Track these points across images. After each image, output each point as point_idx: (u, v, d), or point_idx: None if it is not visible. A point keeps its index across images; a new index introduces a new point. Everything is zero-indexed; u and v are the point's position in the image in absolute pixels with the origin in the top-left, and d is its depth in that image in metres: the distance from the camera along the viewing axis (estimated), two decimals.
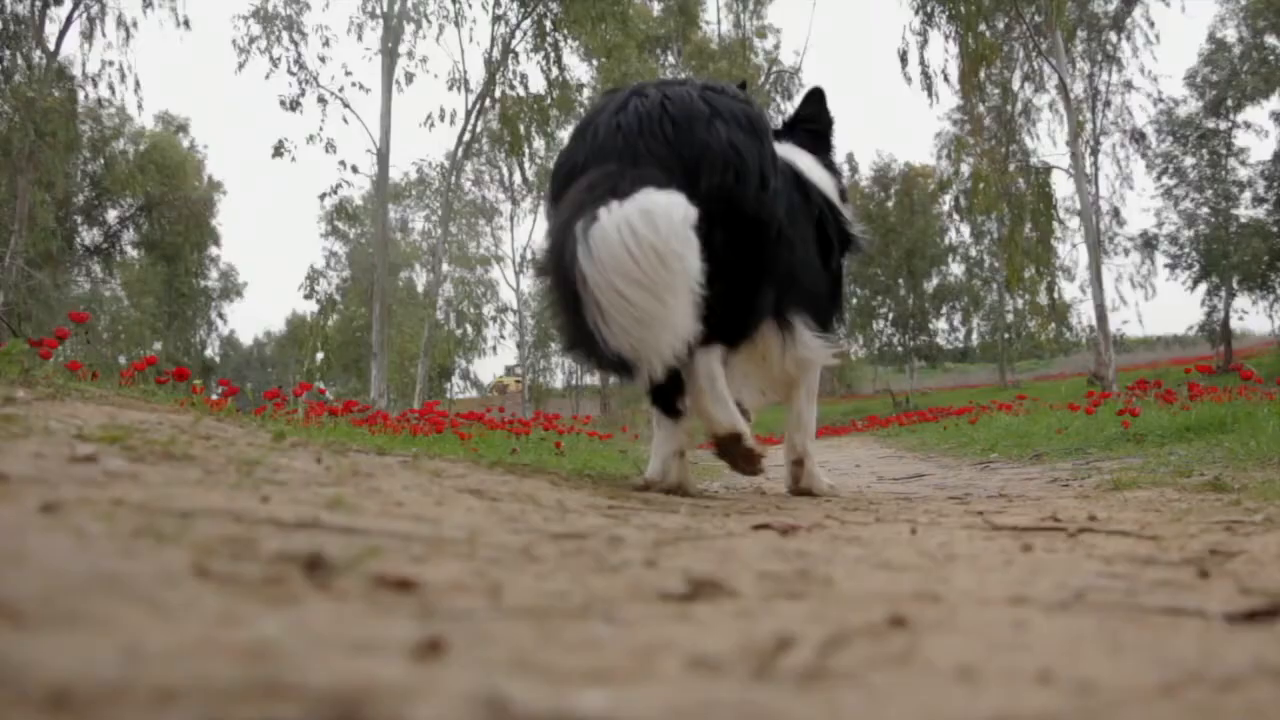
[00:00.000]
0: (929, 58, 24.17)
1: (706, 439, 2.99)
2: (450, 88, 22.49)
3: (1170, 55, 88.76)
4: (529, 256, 35.21)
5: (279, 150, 21.24)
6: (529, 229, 54.89)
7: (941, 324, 45.03)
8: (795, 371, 3.29)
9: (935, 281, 43.32)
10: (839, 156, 3.87)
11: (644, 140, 2.66)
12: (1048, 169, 24.87)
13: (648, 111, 2.70)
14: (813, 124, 3.60)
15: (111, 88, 23.34)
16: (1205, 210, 31.89)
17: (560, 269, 2.44)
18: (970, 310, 44.18)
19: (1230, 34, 31.23)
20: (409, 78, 21.90)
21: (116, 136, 34.37)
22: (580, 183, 2.60)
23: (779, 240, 2.86)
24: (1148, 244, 31.90)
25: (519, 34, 22.59)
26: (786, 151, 3.19)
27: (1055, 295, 27.90)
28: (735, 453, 2.89)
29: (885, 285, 42.94)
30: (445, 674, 0.58)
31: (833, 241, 3.37)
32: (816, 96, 3.60)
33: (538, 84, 23.52)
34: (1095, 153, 29.23)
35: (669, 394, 2.99)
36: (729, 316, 2.78)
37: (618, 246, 2.33)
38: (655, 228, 2.34)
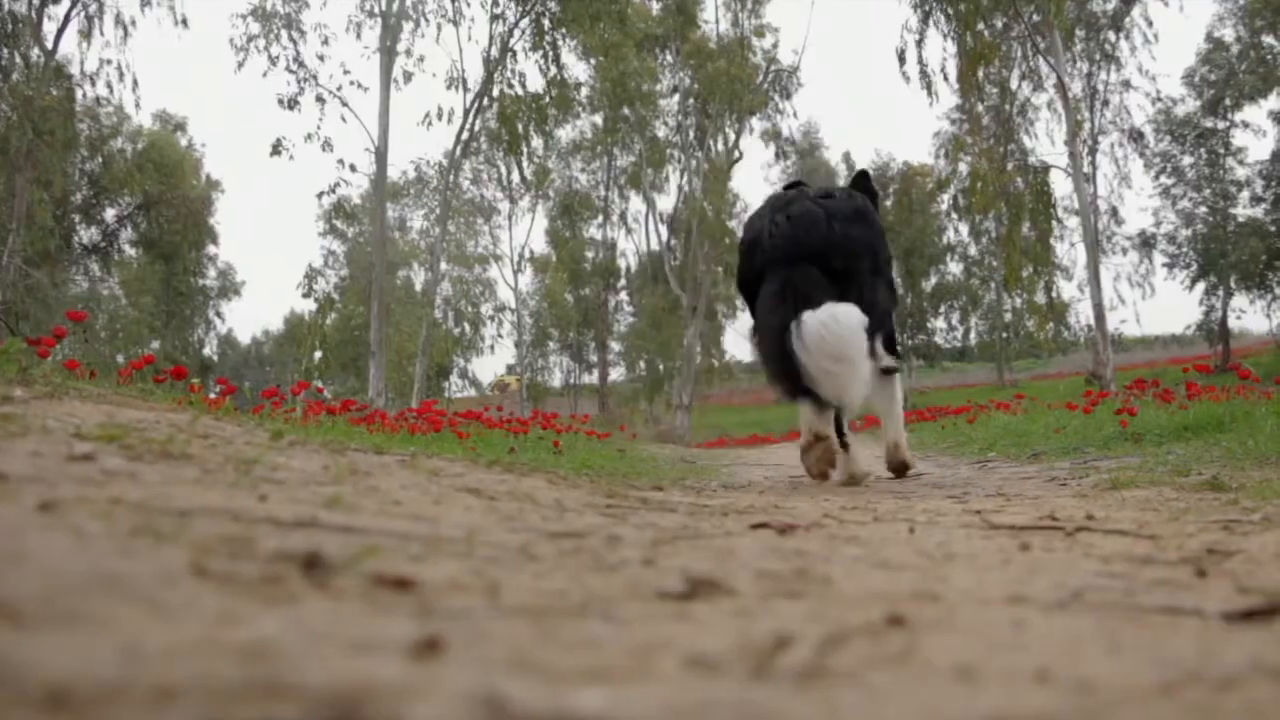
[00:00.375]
0: (927, 56, 24.18)
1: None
2: (449, 86, 22.47)
3: (1168, 55, 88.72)
4: (528, 255, 35.26)
5: (277, 149, 21.23)
6: (527, 228, 55.10)
7: (940, 323, 45.06)
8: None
9: (933, 281, 43.33)
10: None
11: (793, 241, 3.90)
12: (1046, 168, 24.87)
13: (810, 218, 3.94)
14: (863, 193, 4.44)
15: (109, 86, 23.32)
16: (1203, 209, 31.91)
17: (784, 352, 3.58)
18: (968, 309, 44.20)
19: (1228, 33, 31.27)
20: (407, 76, 21.87)
21: (114, 135, 34.36)
22: (769, 283, 3.88)
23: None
24: (1146, 243, 31.93)
25: (517, 33, 22.59)
26: None
27: (1054, 295, 27.93)
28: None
29: None
30: (443, 673, 0.58)
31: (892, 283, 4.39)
32: (864, 175, 4.66)
33: (536, 83, 23.49)
34: (1093, 152, 29.26)
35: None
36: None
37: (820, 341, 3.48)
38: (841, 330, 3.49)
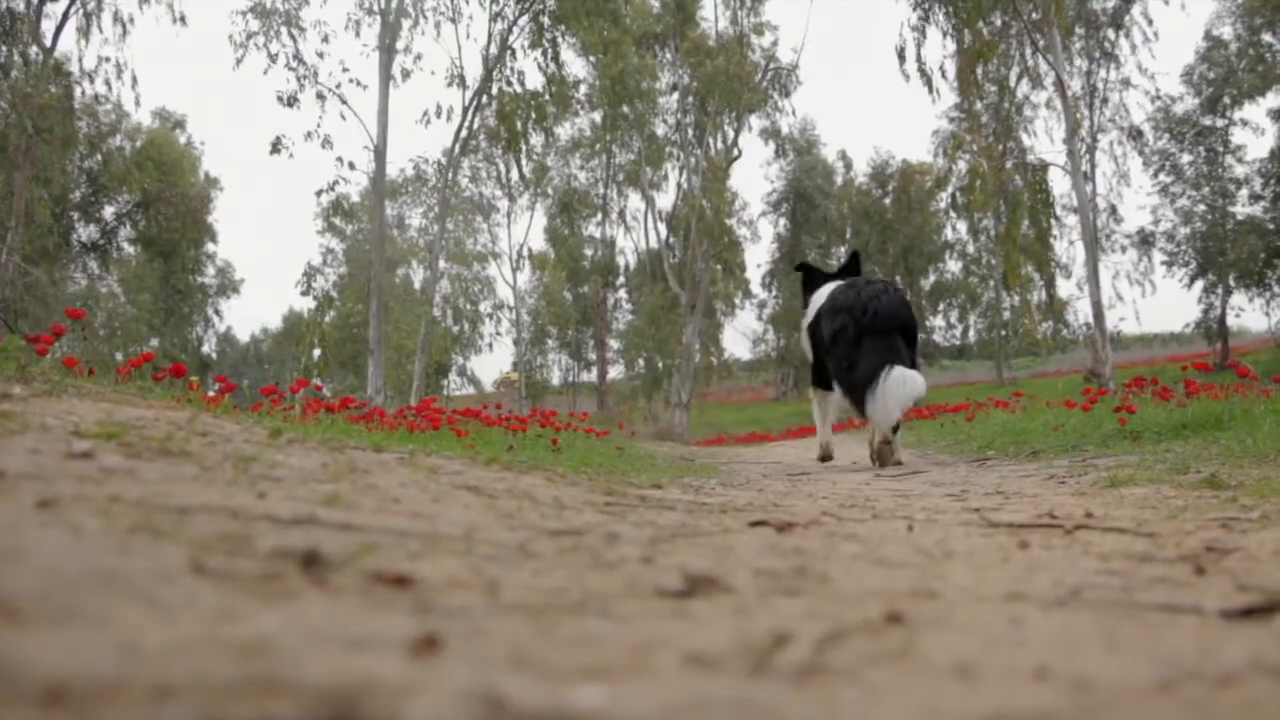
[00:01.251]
0: (926, 55, 24.16)
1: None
2: (448, 84, 22.46)
3: (1168, 53, 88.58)
4: (527, 252, 35.26)
5: (276, 146, 21.21)
6: (526, 225, 55.14)
7: (939, 321, 45.12)
8: None
9: (932, 279, 43.37)
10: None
11: (880, 319, 5.80)
12: (1045, 166, 24.91)
13: (877, 301, 5.85)
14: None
15: (108, 84, 23.34)
16: (1202, 208, 31.91)
17: (872, 387, 5.55)
18: (967, 307, 44.24)
19: (1227, 31, 31.26)
20: (406, 74, 21.85)
21: (113, 133, 34.32)
22: (865, 344, 5.77)
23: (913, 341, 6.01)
24: (1145, 241, 31.94)
25: (516, 30, 22.57)
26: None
27: (1053, 293, 27.95)
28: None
29: None
30: (442, 671, 0.58)
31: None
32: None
33: (535, 80, 23.51)
34: (1092, 150, 29.28)
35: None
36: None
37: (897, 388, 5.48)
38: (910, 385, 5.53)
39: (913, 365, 5.77)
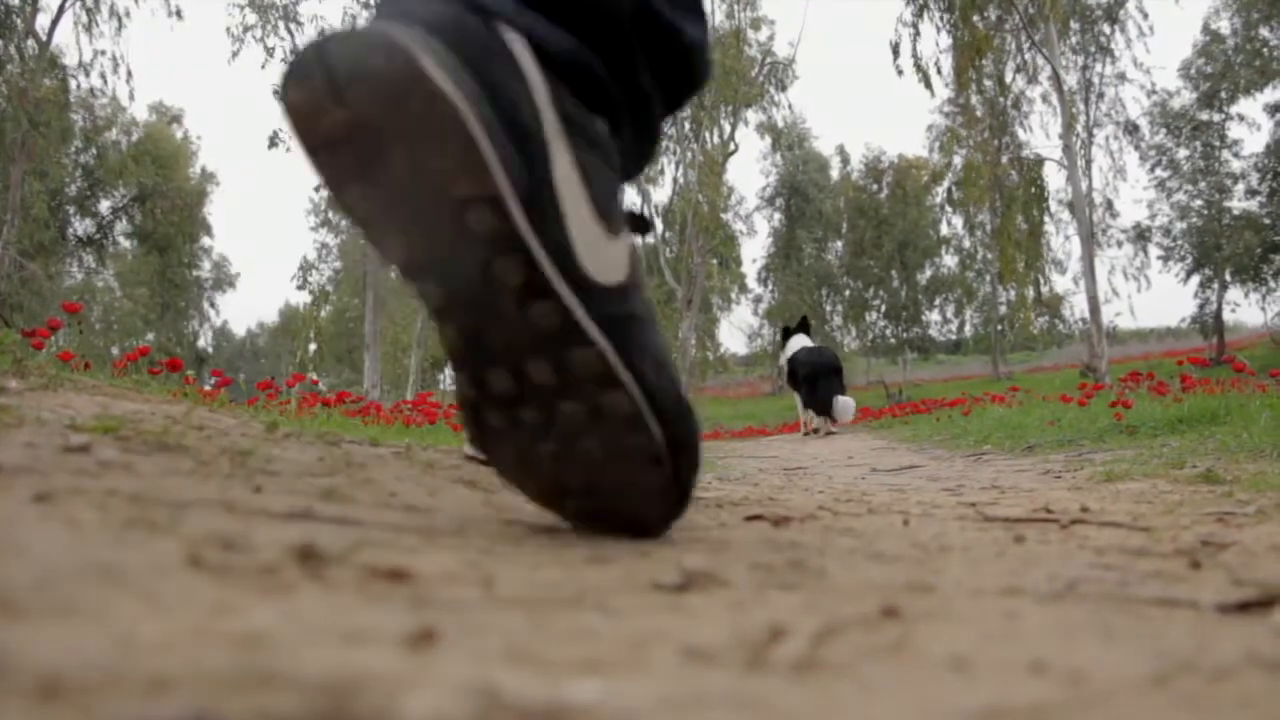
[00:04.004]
0: (921, 50, 24.18)
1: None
2: None
3: (1164, 47, 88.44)
4: None
5: (274, 141, 21.20)
6: None
7: (934, 316, 45.14)
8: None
9: (928, 273, 43.38)
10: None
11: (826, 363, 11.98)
12: (1040, 161, 24.92)
13: (823, 356, 12.02)
14: (806, 328, 12.65)
15: (104, 77, 23.43)
16: (1198, 202, 31.95)
17: (824, 402, 11.67)
18: (963, 302, 44.27)
19: (1224, 25, 31.30)
20: None
21: (109, 127, 34.28)
22: (820, 383, 11.63)
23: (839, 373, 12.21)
24: (1140, 236, 31.99)
25: None
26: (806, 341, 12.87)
27: (1042, 286, 27.99)
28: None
29: (878, 277, 42.98)
30: (438, 664, 0.58)
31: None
32: (805, 320, 12.98)
33: None
34: (1088, 145, 29.30)
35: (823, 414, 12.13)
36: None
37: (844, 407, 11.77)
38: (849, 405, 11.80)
39: (841, 391, 11.24)
